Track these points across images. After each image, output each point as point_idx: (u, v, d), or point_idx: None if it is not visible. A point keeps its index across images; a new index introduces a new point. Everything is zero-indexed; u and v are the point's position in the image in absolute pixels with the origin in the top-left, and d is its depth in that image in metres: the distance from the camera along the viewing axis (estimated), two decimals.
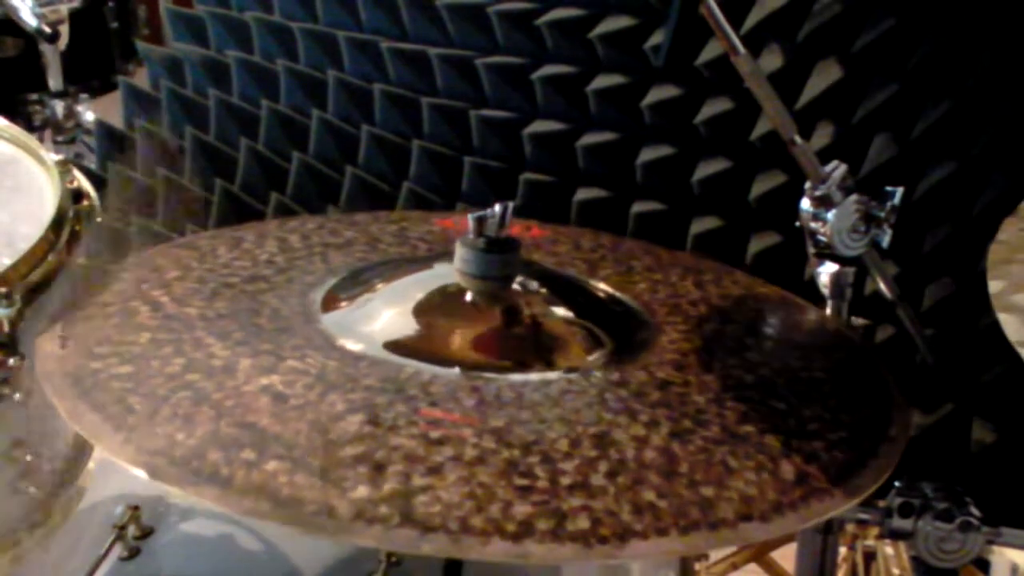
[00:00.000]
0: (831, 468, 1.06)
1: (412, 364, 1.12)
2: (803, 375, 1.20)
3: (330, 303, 1.23)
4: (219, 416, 1.03)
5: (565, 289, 1.30)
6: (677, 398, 1.12)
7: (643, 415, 1.08)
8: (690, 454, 1.04)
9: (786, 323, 1.34)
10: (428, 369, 1.11)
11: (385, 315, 1.23)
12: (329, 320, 1.19)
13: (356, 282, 1.28)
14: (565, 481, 0.99)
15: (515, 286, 1.23)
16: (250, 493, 0.95)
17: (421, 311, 1.22)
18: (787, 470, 1.04)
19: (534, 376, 1.13)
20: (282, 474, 0.97)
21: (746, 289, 1.37)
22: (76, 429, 1.05)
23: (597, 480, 0.99)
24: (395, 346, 1.16)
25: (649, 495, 0.99)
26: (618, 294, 1.32)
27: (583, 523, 0.95)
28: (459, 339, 1.19)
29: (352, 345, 1.15)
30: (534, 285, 1.26)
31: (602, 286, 1.33)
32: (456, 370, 1.12)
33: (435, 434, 1.02)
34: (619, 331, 1.24)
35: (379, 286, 1.28)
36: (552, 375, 1.14)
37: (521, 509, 0.96)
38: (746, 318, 1.31)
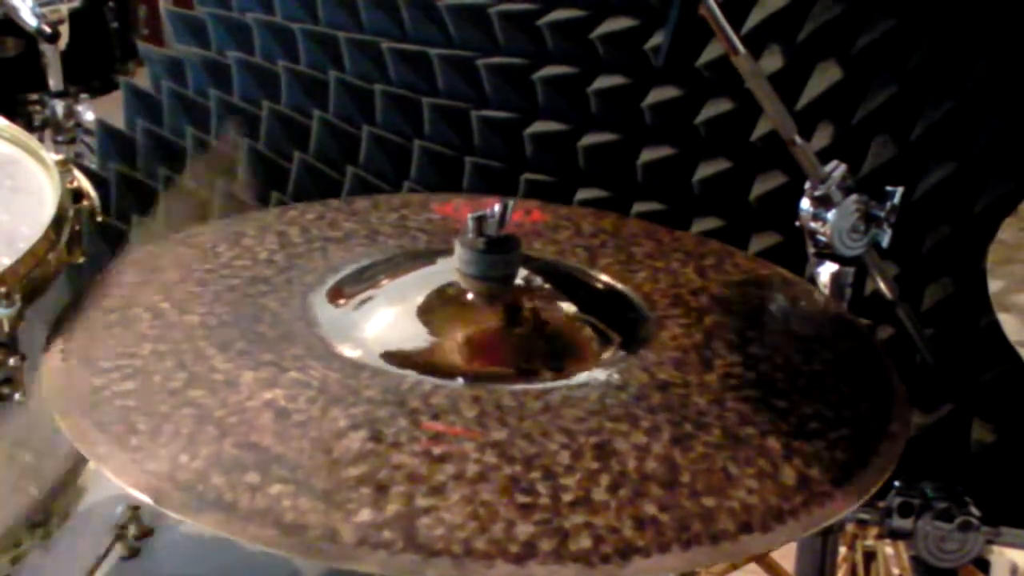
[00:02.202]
0: (832, 469, 1.05)
1: (413, 375, 1.11)
2: (804, 369, 1.19)
3: (330, 307, 1.23)
4: (222, 435, 1.03)
5: (567, 285, 1.29)
6: (678, 400, 1.11)
7: (644, 421, 1.07)
8: (691, 462, 1.03)
9: (788, 312, 1.33)
10: (430, 380, 1.11)
11: (386, 320, 1.22)
12: (330, 325, 1.19)
13: (355, 283, 1.28)
14: (567, 497, 0.98)
15: (518, 283, 1.22)
16: (254, 519, 0.95)
17: (422, 314, 1.21)
18: (788, 474, 1.04)
19: (535, 385, 1.12)
20: (286, 498, 0.97)
21: (747, 273, 1.36)
22: (81, 450, 1.04)
23: (599, 495, 0.99)
24: (396, 354, 1.15)
25: (651, 508, 0.98)
26: (619, 286, 1.31)
27: (585, 542, 0.95)
28: (461, 344, 1.18)
29: (353, 352, 1.14)
30: (537, 282, 1.25)
31: (603, 277, 1.32)
32: (459, 381, 1.11)
33: (437, 450, 1.02)
34: (621, 328, 1.23)
35: (379, 287, 1.27)
36: (553, 383, 1.13)
37: (523, 529, 0.95)
38: (748, 308, 1.30)
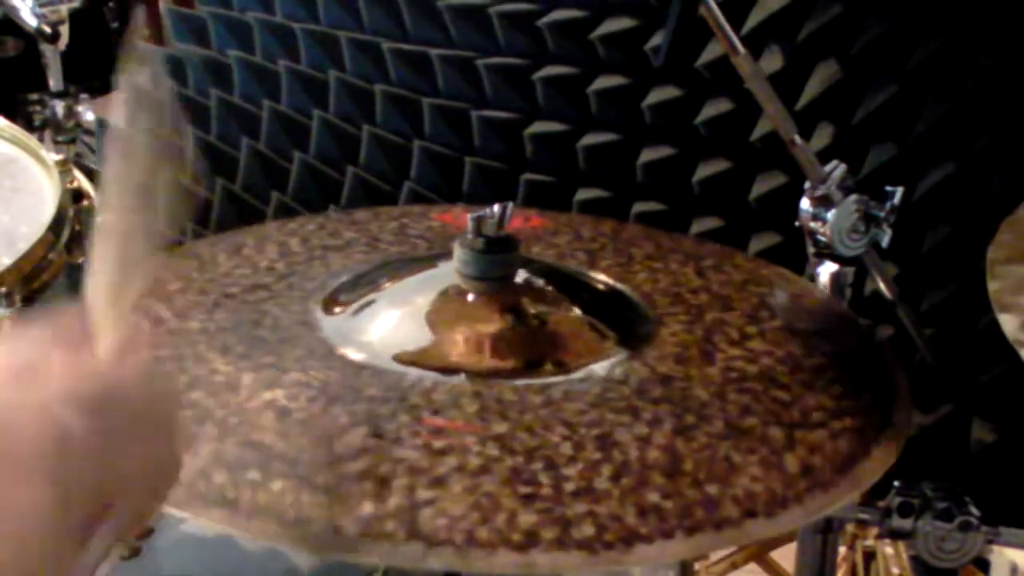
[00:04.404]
0: (835, 458, 1.06)
1: (414, 372, 1.12)
2: (806, 362, 1.19)
3: (331, 310, 1.23)
4: (223, 435, 1.03)
5: (567, 285, 1.30)
6: (679, 393, 1.11)
7: (646, 413, 1.08)
8: (694, 451, 1.04)
9: (788, 308, 1.34)
10: (430, 376, 1.11)
11: (386, 321, 1.22)
12: (330, 328, 1.19)
13: (356, 287, 1.28)
14: (569, 487, 0.98)
15: (517, 283, 1.23)
16: (257, 515, 0.96)
17: (422, 315, 1.22)
18: (791, 462, 1.04)
19: (536, 379, 1.13)
20: (288, 493, 0.97)
21: (747, 274, 1.37)
22: None
23: (601, 484, 0.99)
24: (397, 353, 1.16)
25: (653, 497, 0.99)
26: (619, 285, 1.31)
27: (588, 529, 0.95)
28: (461, 342, 1.19)
29: (354, 354, 1.14)
30: (536, 283, 1.26)
31: (603, 277, 1.33)
32: (460, 376, 1.12)
33: (438, 444, 1.02)
34: (621, 326, 1.23)
35: (379, 291, 1.28)
36: (554, 377, 1.14)
37: (526, 518, 0.95)
38: (748, 305, 1.30)
